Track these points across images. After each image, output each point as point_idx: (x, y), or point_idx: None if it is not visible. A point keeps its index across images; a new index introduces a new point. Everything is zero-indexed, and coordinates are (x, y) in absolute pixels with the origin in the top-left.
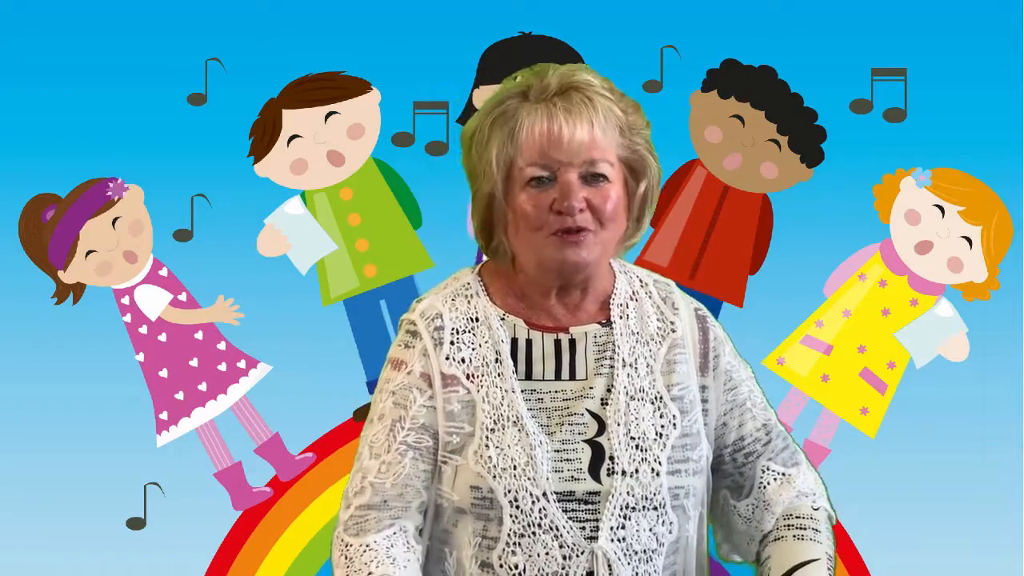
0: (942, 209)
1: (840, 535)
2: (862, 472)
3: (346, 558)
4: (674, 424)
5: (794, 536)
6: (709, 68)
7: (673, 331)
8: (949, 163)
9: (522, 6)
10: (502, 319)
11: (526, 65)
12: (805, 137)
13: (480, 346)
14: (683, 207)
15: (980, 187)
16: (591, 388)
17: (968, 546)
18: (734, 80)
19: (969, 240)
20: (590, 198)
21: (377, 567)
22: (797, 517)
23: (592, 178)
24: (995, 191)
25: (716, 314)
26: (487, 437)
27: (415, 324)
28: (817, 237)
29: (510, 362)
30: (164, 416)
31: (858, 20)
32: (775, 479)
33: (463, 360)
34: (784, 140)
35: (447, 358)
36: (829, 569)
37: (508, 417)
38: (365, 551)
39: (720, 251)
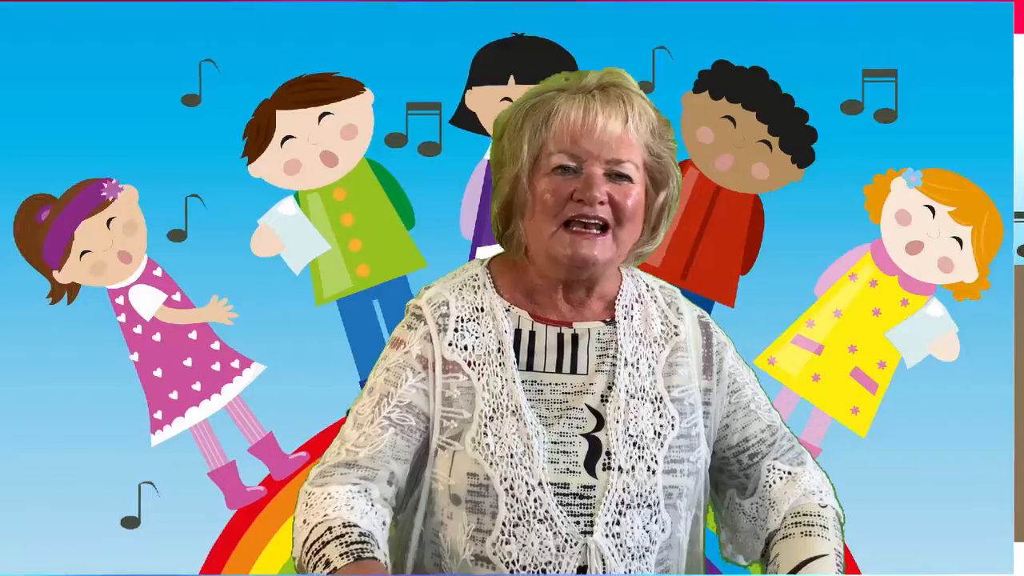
0: (933, 209)
1: None
2: (853, 471)
3: (307, 505)
4: (672, 425)
5: (801, 533)
6: (701, 69)
7: (676, 335)
8: (940, 164)
9: (515, 8)
10: (507, 310)
11: (519, 66)
12: (796, 138)
13: (484, 335)
14: None
15: (971, 188)
16: (592, 384)
17: (958, 544)
18: (725, 81)
19: (960, 240)
20: (612, 193)
21: (334, 511)
22: (804, 514)
23: (616, 176)
24: (985, 192)
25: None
26: (485, 425)
27: (420, 309)
28: (808, 237)
29: (512, 352)
30: (158, 415)
31: (849, 22)
32: (780, 478)
33: (466, 347)
34: (775, 141)
35: (450, 344)
36: (838, 565)
37: (507, 406)
38: (326, 498)
39: (711, 251)
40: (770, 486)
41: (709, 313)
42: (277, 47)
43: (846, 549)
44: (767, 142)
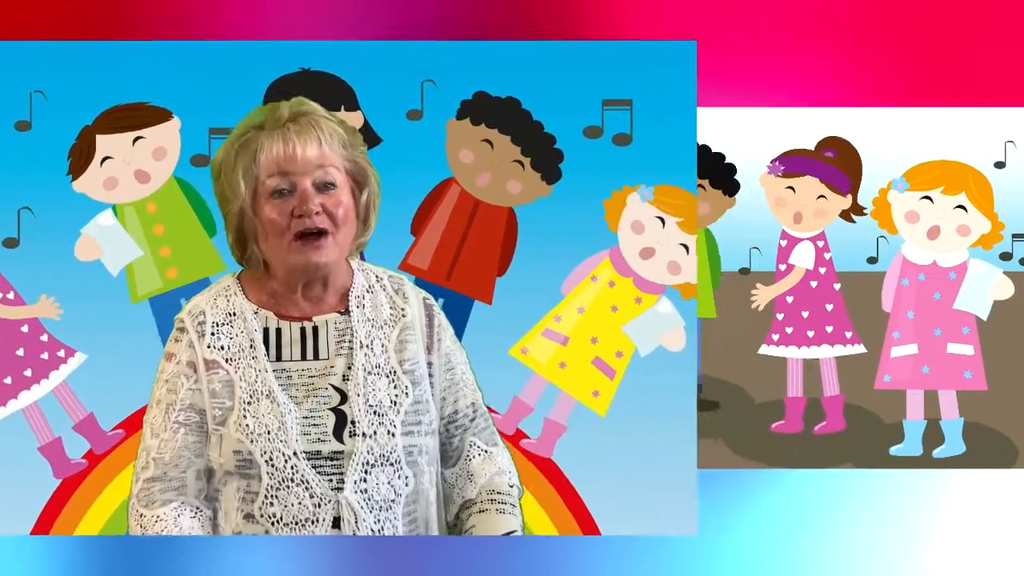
0: (663, 220)
1: (572, 495)
2: (594, 445)
3: (141, 527)
4: (407, 393)
5: (496, 510)
6: (463, 99)
7: (404, 316)
8: (668, 181)
9: (302, 46)
10: (255, 312)
11: (306, 96)
12: (545, 158)
13: (237, 335)
14: (440, 218)
15: (695, 201)
16: (332, 367)
17: (662, 496)
18: (484, 109)
19: (686, 247)
20: (324, 203)
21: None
22: (498, 492)
23: (324, 186)
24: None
25: (468, 311)
26: (244, 409)
27: (183, 321)
28: (555, 244)
29: (262, 347)
30: None
31: (590, 59)
32: (479, 454)
33: (222, 347)
34: (527, 161)
35: (209, 347)
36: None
37: (261, 391)
38: (156, 521)
39: (472, 256)
40: (470, 460)
41: (469, 310)
42: (97, 80)
43: (584, 506)
44: (520, 162)
